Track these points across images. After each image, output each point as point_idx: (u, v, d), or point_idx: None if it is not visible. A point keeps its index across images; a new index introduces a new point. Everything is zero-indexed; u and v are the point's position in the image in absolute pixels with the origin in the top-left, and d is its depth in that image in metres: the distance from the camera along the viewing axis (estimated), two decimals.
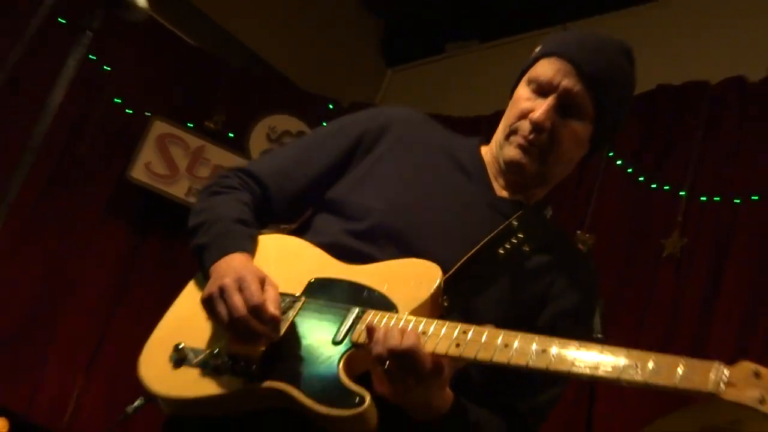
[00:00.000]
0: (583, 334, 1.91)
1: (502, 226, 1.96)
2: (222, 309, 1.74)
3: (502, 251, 1.94)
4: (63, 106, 5.15)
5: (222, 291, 1.75)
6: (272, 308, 1.74)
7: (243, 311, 1.71)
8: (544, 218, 2.11)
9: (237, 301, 1.72)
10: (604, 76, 1.98)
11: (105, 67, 5.52)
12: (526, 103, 1.99)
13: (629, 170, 4.97)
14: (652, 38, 5.40)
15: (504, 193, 2.08)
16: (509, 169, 2.04)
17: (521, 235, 1.97)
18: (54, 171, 5.35)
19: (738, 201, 4.54)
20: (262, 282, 1.78)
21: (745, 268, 4.39)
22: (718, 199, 4.60)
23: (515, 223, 1.98)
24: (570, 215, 4.98)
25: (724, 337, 4.23)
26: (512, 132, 2.01)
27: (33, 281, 5.26)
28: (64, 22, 4.76)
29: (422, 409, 1.72)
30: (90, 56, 5.37)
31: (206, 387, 1.79)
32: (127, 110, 5.60)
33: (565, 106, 1.96)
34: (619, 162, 5.02)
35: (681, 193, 4.72)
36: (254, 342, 1.75)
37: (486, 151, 2.15)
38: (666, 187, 4.80)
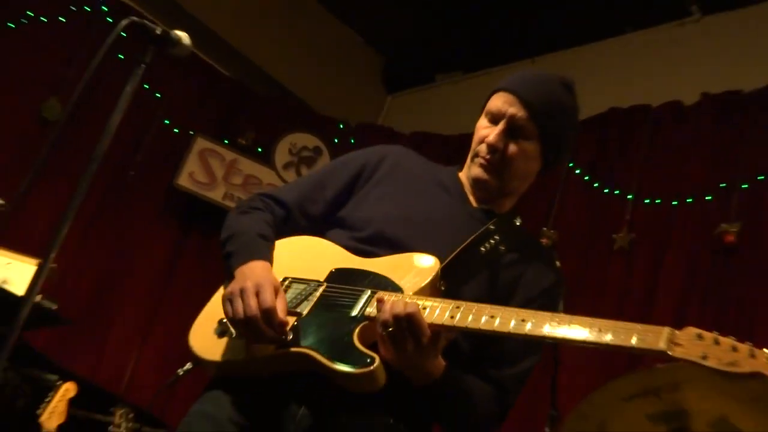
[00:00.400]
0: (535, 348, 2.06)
1: (482, 229, 2.00)
2: (239, 307, 1.76)
3: (483, 249, 1.98)
4: (122, 126, 5.27)
5: (242, 292, 1.77)
6: (281, 315, 1.76)
7: (256, 312, 1.74)
8: (515, 225, 2.12)
9: (252, 302, 1.75)
10: (542, 103, 2.03)
11: (156, 94, 5.57)
12: (484, 131, 2.07)
13: (586, 178, 5.01)
14: (607, 69, 5.43)
15: (478, 206, 2.12)
16: (475, 185, 2.10)
17: (497, 237, 2.01)
18: (115, 179, 5.38)
19: (675, 203, 4.58)
20: (277, 290, 1.80)
21: (680, 258, 4.42)
22: (659, 201, 4.65)
23: (492, 227, 2.02)
24: (537, 215, 4.96)
25: (664, 315, 4.26)
26: (475, 155, 2.08)
27: (97, 271, 5.30)
28: (122, 57, 4.80)
29: (418, 374, 1.78)
30: (144, 85, 5.42)
31: (244, 352, 1.84)
32: (174, 129, 5.64)
33: (512, 130, 2.02)
34: (577, 171, 5.05)
35: (629, 196, 4.76)
36: (261, 342, 1.78)
37: (462, 175, 2.19)
38: (616, 192, 4.84)
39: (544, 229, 4.91)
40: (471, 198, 2.14)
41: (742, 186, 4.35)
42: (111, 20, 5.29)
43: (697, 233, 4.40)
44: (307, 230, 2.13)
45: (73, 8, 5.25)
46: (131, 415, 3.53)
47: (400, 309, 1.67)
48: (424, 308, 1.72)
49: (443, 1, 5.92)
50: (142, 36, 2.03)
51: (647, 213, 4.66)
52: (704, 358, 1.51)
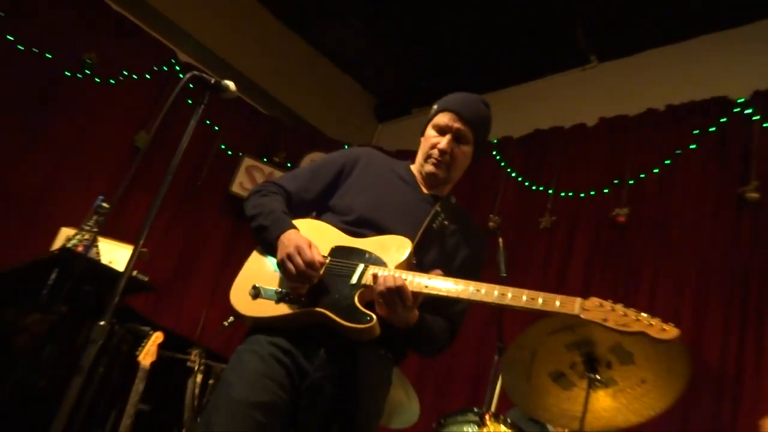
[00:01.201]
0: (478, 272, 2.07)
1: (433, 211, 2.00)
2: (291, 266, 1.78)
3: (434, 226, 1.98)
4: (192, 150, 5.30)
5: (290, 256, 1.79)
6: (319, 260, 1.81)
7: (303, 267, 1.77)
8: (452, 204, 2.11)
9: (299, 261, 1.78)
10: (476, 118, 2.07)
11: (215, 127, 5.54)
12: (434, 139, 2.06)
13: (519, 179, 5.00)
14: (531, 102, 5.43)
15: (427, 192, 2.09)
16: (428, 179, 2.08)
17: (443, 215, 2.02)
18: (187, 188, 5.36)
19: (582, 195, 4.59)
20: (310, 246, 1.82)
21: (587, 235, 4.44)
22: (571, 194, 4.65)
23: (438, 209, 2.02)
24: (485, 206, 4.97)
25: (575, 278, 4.28)
26: (428, 156, 2.06)
27: (177, 253, 5.27)
28: (190, 102, 4.80)
29: (402, 323, 1.81)
30: (206, 121, 5.43)
31: (275, 310, 1.82)
32: (228, 152, 5.61)
33: (457, 138, 2.04)
34: (513, 174, 5.05)
35: (550, 191, 4.77)
36: (306, 283, 1.80)
37: (413, 168, 2.15)
38: (541, 188, 4.84)
39: (491, 215, 4.89)
40: (422, 186, 2.10)
41: (630, 182, 4.35)
42: (182, 76, 5.24)
43: (599, 216, 4.41)
44: (300, 213, 2.08)
45: (155, 68, 5.23)
46: (203, 354, 3.53)
47: (391, 283, 1.71)
48: (406, 279, 1.74)
49: (415, 58, 5.89)
50: (202, 85, 2.00)
51: (563, 203, 4.66)
52: (605, 321, 1.58)
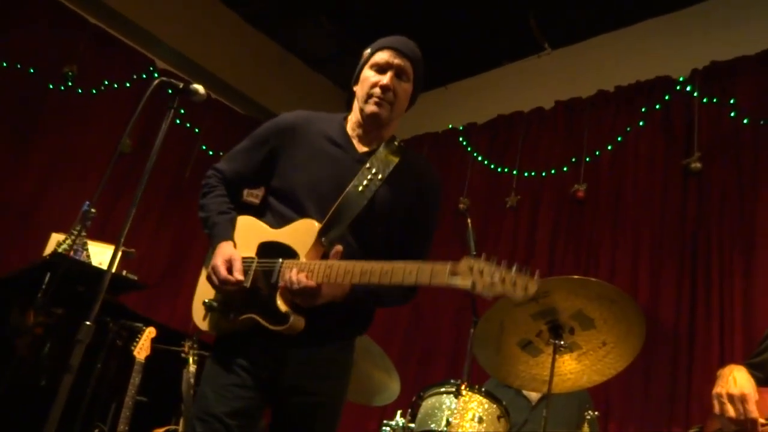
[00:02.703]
0: (427, 221, 1.92)
1: (360, 172, 1.80)
2: (213, 279, 1.75)
3: (361, 189, 1.78)
4: (176, 152, 5.21)
5: (209, 276, 1.77)
6: (237, 275, 1.72)
7: (219, 285, 1.74)
8: (395, 148, 1.88)
9: (214, 279, 1.75)
10: (414, 55, 1.88)
11: (196, 129, 5.43)
12: (374, 78, 1.84)
13: (485, 162, 4.99)
14: (493, 89, 5.40)
15: (364, 149, 1.87)
16: (370, 120, 1.85)
17: (374, 170, 1.81)
18: (174, 187, 5.25)
19: (544, 174, 4.59)
20: (229, 262, 1.74)
21: (550, 210, 4.46)
22: (534, 173, 4.65)
23: (368, 165, 1.81)
24: (455, 189, 4.94)
25: (541, 251, 4.30)
26: (369, 96, 1.83)
27: (167, 252, 5.15)
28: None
29: (335, 298, 1.71)
30: (187, 125, 5.34)
31: (223, 322, 1.80)
32: (209, 152, 5.50)
33: (399, 74, 1.85)
34: (479, 158, 5.03)
35: (514, 172, 4.76)
36: (230, 293, 1.76)
37: (349, 120, 1.93)
38: (506, 169, 4.83)
39: (461, 198, 4.88)
40: (357, 145, 1.88)
41: (586, 159, 4.37)
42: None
43: (559, 193, 4.43)
44: (249, 186, 2.04)
45: (135, 77, 5.10)
46: (195, 345, 3.51)
47: (295, 285, 1.64)
48: (311, 271, 1.65)
49: None
50: (172, 90, 1.95)
51: (527, 182, 4.66)
52: (473, 286, 1.45)
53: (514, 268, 1.46)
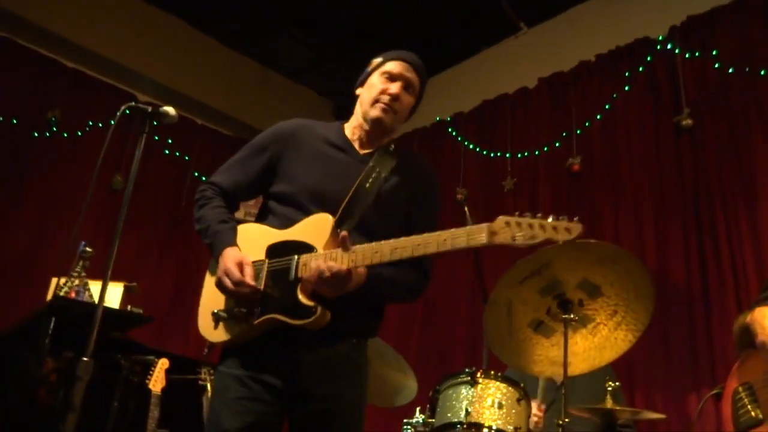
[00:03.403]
0: (434, 216, 1.93)
1: (364, 172, 1.83)
2: (225, 288, 1.71)
3: (368, 185, 1.81)
4: (167, 183, 5.19)
5: (220, 280, 1.71)
6: (248, 278, 1.69)
7: (233, 287, 1.68)
8: (390, 151, 1.91)
9: (228, 283, 1.69)
10: (422, 72, 1.94)
11: (186, 157, 5.43)
12: (383, 85, 1.89)
13: (477, 149, 4.94)
14: (475, 74, 5.37)
15: (364, 151, 1.91)
16: (373, 125, 1.89)
17: (378, 169, 1.84)
18: (169, 219, 5.24)
19: (537, 152, 4.55)
20: (240, 264, 1.70)
21: (548, 187, 4.42)
22: (527, 153, 4.61)
23: (371, 164, 1.85)
24: (452, 179, 4.90)
25: None
26: (376, 101, 1.87)
27: (173, 283, 5.13)
28: (157, 138, 4.70)
29: (353, 289, 1.68)
30: (176, 153, 5.33)
31: (236, 330, 1.74)
32: (202, 178, 5.48)
33: (407, 87, 1.90)
34: (471, 146, 4.99)
35: (507, 155, 4.72)
36: (244, 298, 1.71)
37: (347, 127, 1.97)
38: (498, 154, 4.79)
39: (457, 188, 4.84)
40: (357, 147, 1.92)
41: (577, 132, 4.32)
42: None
43: (555, 170, 4.38)
44: (246, 198, 1.98)
45: (118, 113, 5.08)
46: (212, 370, 3.46)
47: (326, 273, 1.61)
48: (333, 259, 1.63)
49: (361, 55, 5.76)
50: (141, 115, 1.92)
51: (521, 163, 4.62)
52: (514, 239, 1.45)
53: (550, 216, 1.47)
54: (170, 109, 1.95)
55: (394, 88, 1.87)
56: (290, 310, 1.66)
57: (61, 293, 3.25)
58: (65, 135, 4.78)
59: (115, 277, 3.67)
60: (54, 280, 3.46)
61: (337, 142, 1.92)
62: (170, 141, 5.29)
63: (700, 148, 3.66)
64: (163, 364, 3.33)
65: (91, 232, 4.35)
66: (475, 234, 1.48)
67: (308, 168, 1.85)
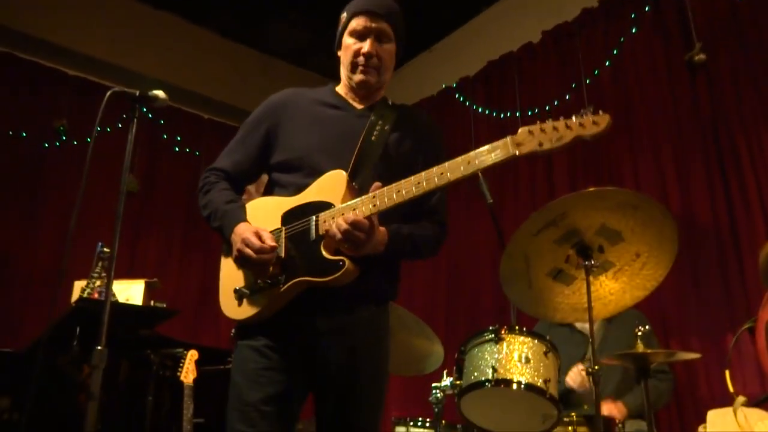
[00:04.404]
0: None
1: (367, 125, 1.79)
2: (246, 260, 1.67)
3: (373, 138, 1.78)
4: (182, 180, 5.20)
5: (240, 251, 1.67)
6: (269, 242, 1.66)
7: (255, 256, 1.65)
8: (389, 106, 1.89)
9: (250, 252, 1.65)
10: (389, 11, 1.85)
11: (197, 152, 5.46)
12: (355, 46, 1.84)
13: (486, 111, 4.86)
14: (478, 34, 5.25)
15: (361, 106, 1.89)
16: (360, 87, 1.86)
17: (380, 123, 1.81)
18: (188, 215, 5.25)
19: (547, 108, 4.43)
20: (257, 233, 1.68)
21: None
22: (537, 110, 4.49)
23: (373, 118, 1.82)
24: (463, 147, 4.80)
25: (563, 190, 4.15)
26: (354, 65, 1.84)
27: (199, 276, 5.17)
28: (165, 137, 4.71)
29: (376, 248, 1.67)
30: (186, 149, 5.35)
31: (262, 303, 1.71)
32: None
33: (379, 38, 1.83)
34: (480, 110, 4.90)
35: (517, 114, 4.61)
36: (270, 265, 1.68)
37: (339, 89, 1.94)
38: (508, 114, 4.68)
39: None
40: (354, 103, 1.89)
41: (587, 81, 4.21)
42: (150, 116, 5.18)
43: None
44: (250, 179, 1.95)
45: (125, 116, 5.11)
46: None
47: (342, 223, 1.58)
48: (354, 209, 1.61)
49: None
50: (129, 101, 1.91)
51: (532, 121, 4.33)
52: (541, 145, 1.42)
53: (573, 116, 1.45)
54: (159, 92, 1.94)
55: (367, 46, 1.82)
56: (317, 269, 1.63)
57: (85, 295, 3.28)
58: (75, 143, 4.82)
59: (140, 276, 3.72)
60: (77, 284, 3.50)
61: (332, 102, 1.89)
62: (179, 138, 5.31)
63: (715, 82, 3.53)
64: (192, 355, 3.35)
65: (110, 234, 4.38)
66: (500, 149, 1.45)
67: (307, 132, 1.82)
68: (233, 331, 1.85)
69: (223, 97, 5.77)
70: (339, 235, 1.59)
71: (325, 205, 1.68)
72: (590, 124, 1.39)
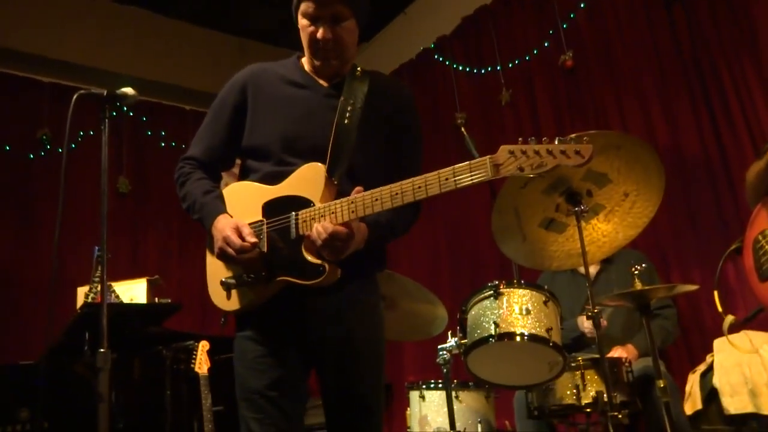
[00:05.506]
0: (418, 146, 1.85)
1: (339, 107, 1.72)
2: (228, 258, 1.65)
3: (347, 122, 1.71)
4: (170, 172, 5.17)
5: (222, 249, 1.64)
6: (249, 239, 1.62)
7: (236, 255, 1.62)
8: (358, 77, 1.79)
9: (230, 252, 1.63)
10: None
11: (183, 146, 5.29)
12: (309, 29, 1.72)
13: (467, 69, 4.78)
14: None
15: (327, 84, 1.79)
16: (323, 70, 1.77)
17: (351, 101, 1.73)
18: (181, 208, 5.26)
19: (528, 58, 4.39)
20: (237, 230, 1.64)
21: (545, 92, 4.29)
22: (518, 61, 4.44)
23: (343, 97, 1.74)
24: (448, 107, 4.82)
25: (549, 133, 4.13)
26: (313, 49, 1.74)
27: (200, 268, 5.14)
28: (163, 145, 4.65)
29: (357, 248, 1.64)
30: (172, 143, 5.32)
31: (248, 296, 1.70)
32: None
33: (333, 20, 1.70)
34: (460, 68, 4.84)
35: (498, 67, 4.54)
36: (250, 261, 1.66)
37: (304, 62, 1.83)
38: (489, 69, 4.61)
39: (456, 113, 4.74)
40: (320, 80, 1.79)
41: (563, 26, 4.15)
42: (132, 114, 5.15)
43: (549, 70, 4.24)
44: (225, 164, 1.89)
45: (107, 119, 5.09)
46: None
47: (323, 233, 1.56)
48: (333, 213, 1.57)
49: None
50: (98, 102, 1.88)
51: (514, 73, 4.47)
52: (521, 170, 1.35)
53: (556, 140, 1.38)
54: (128, 90, 1.90)
55: (321, 32, 1.70)
56: (299, 271, 1.63)
57: (89, 300, 3.31)
58: (60, 150, 4.80)
59: (144, 275, 3.74)
60: (80, 290, 3.53)
61: (297, 80, 1.80)
62: (163, 133, 5.28)
63: (693, 13, 3.47)
64: (203, 346, 3.39)
65: (108, 237, 4.40)
66: (479, 168, 1.39)
67: (274, 116, 1.76)
68: (222, 320, 1.86)
69: (202, 86, 5.70)
70: (319, 242, 1.58)
71: (304, 202, 1.65)
72: (573, 153, 1.34)
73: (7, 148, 4.61)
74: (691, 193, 3.33)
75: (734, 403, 2.54)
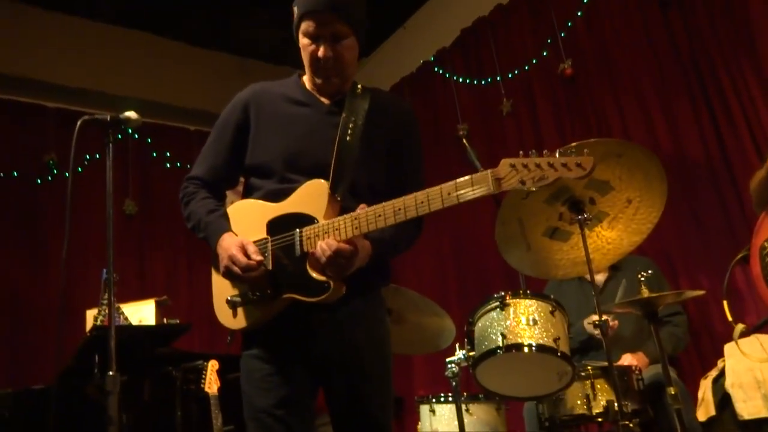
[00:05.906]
0: (419, 162, 1.87)
1: (340, 124, 1.73)
2: (233, 276, 1.67)
3: (349, 139, 1.72)
4: (176, 192, 5.22)
5: (227, 268, 1.66)
6: (255, 257, 1.64)
7: (242, 274, 1.64)
8: (358, 94, 1.81)
9: (237, 270, 1.64)
10: (339, 7, 1.71)
11: (188, 165, 5.40)
12: (310, 48, 1.73)
13: (467, 81, 4.81)
14: (448, 6, 5.20)
15: (328, 101, 1.80)
16: (324, 89, 1.79)
17: (352, 118, 1.75)
18: (191, 238, 5.29)
19: (527, 68, 4.41)
20: (242, 248, 1.66)
21: (547, 101, 4.29)
22: (517, 71, 4.47)
23: (345, 114, 1.75)
24: (450, 119, 4.84)
25: (554, 144, 4.13)
26: (314, 69, 1.76)
27: (208, 287, 5.20)
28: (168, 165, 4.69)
29: (361, 264, 1.65)
30: (177, 164, 5.36)
31: (254, 315, 1.72)
32: None
33: (333, 38, 1.72)
34: (460, 80, 4.87)
35: (498, 78, 4.57)
36: (256, 279, 1.67)
37: (306, 80, 1.84)
38: (489, 79, 4.64)
39: (458, 125, 4.75)
40: (321, 99, 1.81)
41: (561, 35, 4.17)
42: (137, 136, 5.20)
43: (549, 79, 4.25)
44: (230, 183, 1.91)
45: (111, 141, 5.14)
46: None
47: (327, 250, 1.57)
48: (336, 230, 1.58)
49: None
50: (102, 127, 1.91)
51: (514, 83, 4.49)
52: (522, 183, 1.35)
53: (557, 152, 1.39)
54: (131, 114, 1.92)
55: (322, 51, 1.72)
56: (304, 288, 1.64)
57: (98, 323, 3.32)
58: (67, 174, 4.85)
59: (152, 296, 3.76)
60: (89, 313, 3.54)
61: (299, 98, 1.82)
62: (168, 154, 5.32)
63: (690, 15, 3.49)
64: (213, 365, 3.38)
65: (116, 259, 4.43)
66: (480, 183, 1.40)
67: (277, 134, 1.78)
68: (229, 338, 1.89)
69: (206, 106, 5.75)
70: (323, 259, 1.59)
71: (308, 219, 1.66)
72: (574, 166, 1.35)
73: (15, 173, 4.66)
74: (696, 197, 3.33)
75: (748, 408, 2.52)
